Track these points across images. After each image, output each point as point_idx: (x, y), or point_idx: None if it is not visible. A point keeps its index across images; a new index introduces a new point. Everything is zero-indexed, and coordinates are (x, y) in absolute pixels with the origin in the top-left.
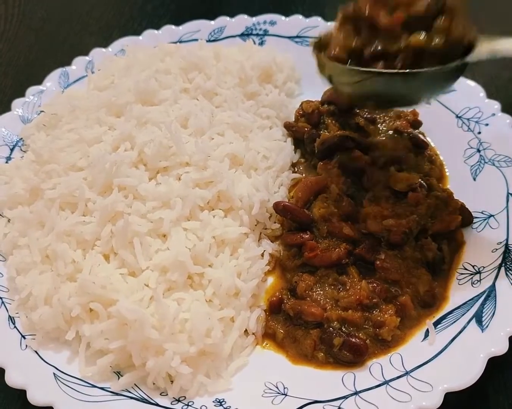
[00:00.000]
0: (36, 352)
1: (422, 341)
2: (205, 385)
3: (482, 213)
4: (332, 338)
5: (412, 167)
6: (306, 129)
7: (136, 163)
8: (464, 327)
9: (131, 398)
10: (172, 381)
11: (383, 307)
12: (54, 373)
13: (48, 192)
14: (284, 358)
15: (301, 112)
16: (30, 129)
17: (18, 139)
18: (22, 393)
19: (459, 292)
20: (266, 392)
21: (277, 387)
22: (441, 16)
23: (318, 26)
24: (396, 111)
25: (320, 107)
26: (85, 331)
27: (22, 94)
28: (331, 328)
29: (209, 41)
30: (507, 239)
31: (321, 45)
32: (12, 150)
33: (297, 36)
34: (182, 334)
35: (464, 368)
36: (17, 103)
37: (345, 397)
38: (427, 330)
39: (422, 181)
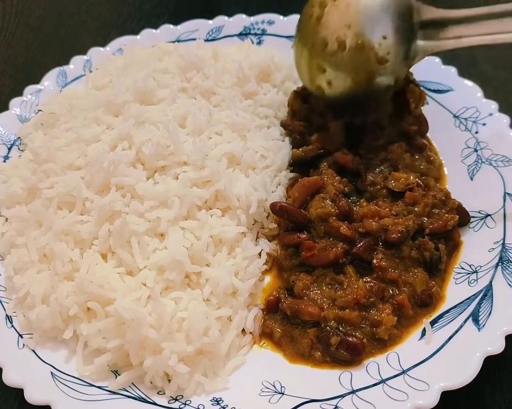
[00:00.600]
0: (33, 351)
1: (419, 340)
2: (203, 384)
3: (479, 212)
4: (329, 337)
5: (409, 167)
6: (301, 127)
7: (134, 162)
8: (461, 326)
9: (129, 397)
10: (169, 380)
11: (380, 306)
12: (51, 372)
13: (46, 191)
14: (281, 357)
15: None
16: (28, 128)
17: (16, 138)
18: (20, 392)
19: (456, 291)
20: (263, 391)
21: (274, 386)
22: None
23: None
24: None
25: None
26: (83, 330)
27: (20, 93)
28: (328, 327)
29: (207, 40)
30: (503, 239)
31: None
32: (9, 149)
33: None
34: (180, 333)
35: (460, 367)
36: (15, 102)
37: (342, 396)
38: (424, 329)
39: (419, 181)
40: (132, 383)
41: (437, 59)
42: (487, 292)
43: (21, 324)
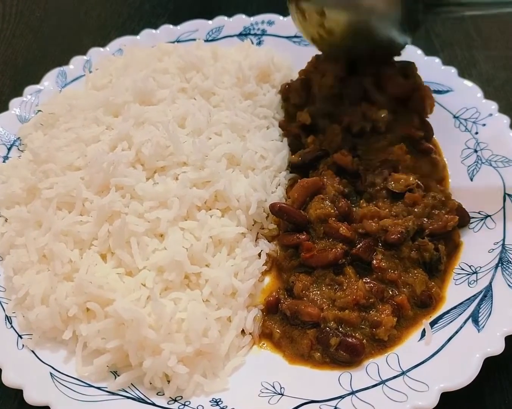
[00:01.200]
0: (32, 351)
1: (418, 341)
2: (202, 384)
3: (479, 213)
4: (328, 338)
5: (410, 169)
6: (297, 130)
7: (133, 163)
8: (461, 327)
9: (128, 397)
10: (168, 381)
11: (380, 307)
12: (50, 373)
13: (45, 191)
14: (281, 358)
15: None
16: (27, 128)
17: (15, 139)
18: (19, 392)
19: (455, 292)
20: (262, 392)
21: (273, 387)
22: None
23: None
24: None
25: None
26: (82, 331)
27: (19, 93)
28: (327, 328)
29: (207, 40)
30: (503, 239)
31: None
32: (9, 149)
33: (295, 36)
34: (179, 334)
35: (460, 368)
36: (14, 103)
37: (342, 397)
38: (424, 330)
39: (419, 182)
40: (131, 383)
41: (437, 60)
42: (487, 293)
43: (21, 325)
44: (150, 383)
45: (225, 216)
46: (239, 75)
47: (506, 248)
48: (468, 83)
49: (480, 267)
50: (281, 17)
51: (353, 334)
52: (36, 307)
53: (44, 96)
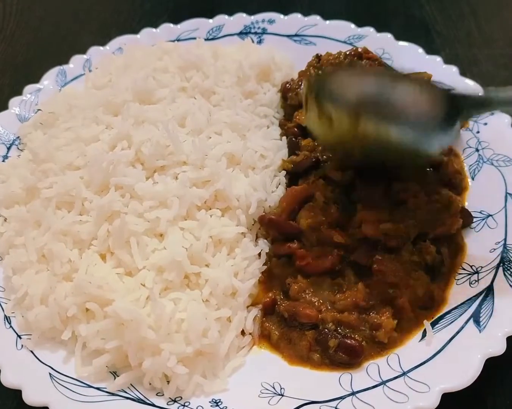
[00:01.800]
0: (32, 352)
1: (419, 341)
2: (202, 385)
3: (480, 212)
4: (327, 340)
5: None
6: (296, 129)
7: (133, 162)
8: (462, 327)
9: (127, 398)
10: (168, 381)
11: (380, 309)
12: (49, 373)
13: (45, 191)
14: (280, 358)
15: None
16: (27, 127)
17: (15, 138)
18: (18, 393)
19: (457, 292)
20: (262, 393)
21: (273, 388)
22: None
23: (317, 24)
24: None
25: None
26: (81, 331)
27: (19, 92)
28: (326, 330)
29: (207, 39)
30: (505, 239)
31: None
32: (9, 148)
33: (296, 35)
34: (179, 334)
35: (461, 368)
36: (14, 102)
37: (342, 398)
38: (425, 330)
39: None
40: (130, 384)
41: (438, 59)
42: (488, 293)
43: (20, 325)
44: (150, 384)
45: (225, 215)
46: (240, 74)
47: (508, 248)
48: (469, 82)
49: (482, 267)
50: (281, 16)
51: (352, 336)
52: (35, 307)
53: (44, 95)
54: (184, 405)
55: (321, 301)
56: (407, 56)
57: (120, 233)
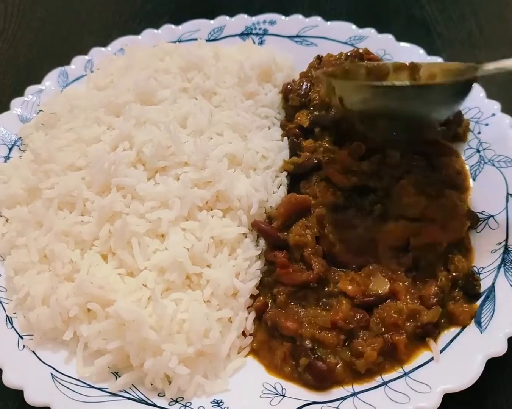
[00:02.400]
0: (33, 352)
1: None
2: (203, 385)
3: (481, 213)
4: (300, 356)
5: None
6: (297, 130)
7: (134, 163)
8: (463, 328)
9: (129, 398)
10: (169, 382)
11: (370, 337)
12: (51, 374)
13: (46, 191)
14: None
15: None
16: (28, 128)
17: (16, 139)
18: (20, 393)
19: None
20: (264, 393)
21: (275, 388)
22: None
23: (318, 25)
24: None
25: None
26: (83, 332)
27: (21, 93)
28: (302, 346)
29: (208, 40)
30: (506, 240)
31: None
32: (10, 149)
33: (297, 36)
34: (180, 334)
35: (462, 369)
36: (16, 102)
37: (344, 398)
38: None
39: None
40: (132, 384)
41: (440, 59)
42: (490, 294)
43: (21, 325)
44: (151, 384)
45: (226, 216)
46: (241, 75)
47: (509, 249)
48: None
49: (483, 268)
50: (283, 17)
51: (326, 359)
52: (37, 308)
53: (46, 96)
54: (185, 406)
55: (305, 314)
56: (408, 57)
57: (121, 234)
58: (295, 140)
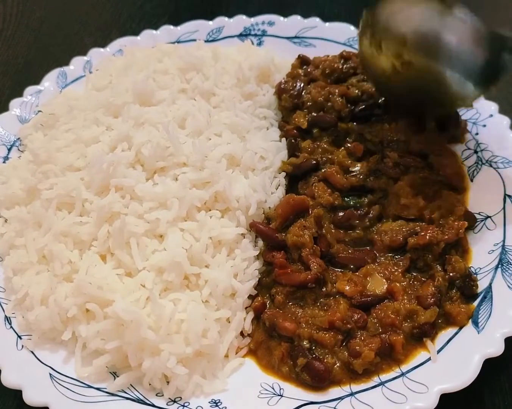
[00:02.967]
0: (32, 352)
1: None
2: (201, 385)
3: (479, 214)
4: (297, 356)
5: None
6: (295, 131)
7: (133, 164)
8: (460, 328)
9: (127, 398)
10: (168, 382)
11: (367, 337)
12: (50, 374)
13: (45, 192)
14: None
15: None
16: (27, 129)
17: (15, 139)
18: (18, 393)
19: None
20: (262, 393)
21: (273, 388)
22: None
23: (317, 26)
24: None
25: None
26: (81, 332)
27: (20, 94)
28: (300, 346)
29: (207, 41)
30: (504, 240)
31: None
32: (9, 150)
33: (296, 37)
34: (178, 334)
35: (459, 369)
36: (15, 103)
37: (341, 398)
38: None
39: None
40: (130, 384)
41: None
42: (487, 294)
43: (20, 325)
44: (150, 384)
45: (224, 217)
46: (239, 76)
47: (506, 249)
48: None
49: (480, 268)
50: (281, 18)
51: (323, 359)
52: (36, 308)
53: (44, 96)
54: (183, 406)
55: (303, 315)
56: None
57: (120, 234)
58: (293, 141)
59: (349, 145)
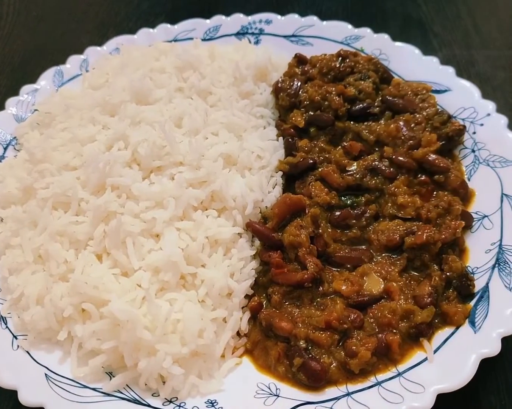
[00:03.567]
0: (27, 352)
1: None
2: (197, 386)
3: (476, 213)
4: (294, 356)
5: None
6: (292, 130)
7: (129, 163)
8: (457, 328)
9: (123, 399)
10: (164, 382)
11: (364, 337)
12: (45, 374)
13: (41, 191)
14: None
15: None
16: (23, 128)
17: (11, 138)
18: (14, 393)
19: None
20: (258, 393)
21: (269, 388)
22: None
23: (314, 25)
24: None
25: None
26: (77, 332)
27: (16, 92)
28: (297, 346)
29: (204, 40)
30: (500, 240)
31: None
32: (5, 149)
33: (293, 35)
34: (174, 334)
35: (456, 369)
36: (11, 102)
37: (337, 398)
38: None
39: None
40: (126, 385)
41: (435, 59)
42: (484, 294)
43: (16, 325)
44: (146, 384)
45: (221, 216)
46: (236, 75)
47: (503, 249)
48: (465, 83)
49: (477, 268)
50: (278, 16)
51: (319, 358)
52: (31, 308)
53: (41, 95)
54: (179, 406)
55: (300, 314)
56: (404, 57)
57: (116, 234)
58: (290, 140)
59: (345, 144)
